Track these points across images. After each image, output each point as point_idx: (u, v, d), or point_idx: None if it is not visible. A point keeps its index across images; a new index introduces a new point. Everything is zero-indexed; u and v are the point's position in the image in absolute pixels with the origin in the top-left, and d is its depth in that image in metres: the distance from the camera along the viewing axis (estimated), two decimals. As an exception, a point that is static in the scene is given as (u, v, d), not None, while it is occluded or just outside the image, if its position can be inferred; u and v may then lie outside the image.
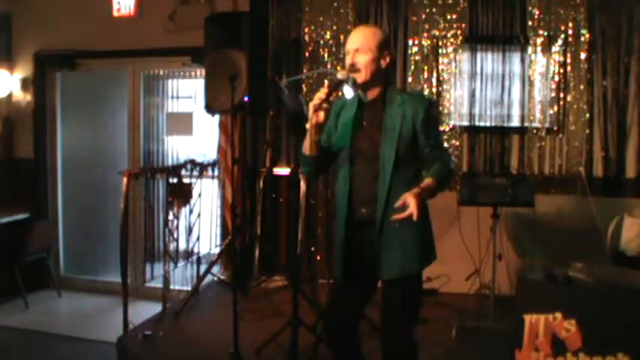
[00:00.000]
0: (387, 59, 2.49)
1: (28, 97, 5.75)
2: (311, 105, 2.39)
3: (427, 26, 4.81)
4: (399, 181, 2.41)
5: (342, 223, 2.53)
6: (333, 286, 2.77)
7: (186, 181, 4.51)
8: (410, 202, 2.22)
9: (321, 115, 2.38)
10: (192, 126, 5.31)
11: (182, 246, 4.59)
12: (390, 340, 2.49)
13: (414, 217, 2.20)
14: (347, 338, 2.61)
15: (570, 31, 4.60)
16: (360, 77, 2.47)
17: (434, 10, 4.79)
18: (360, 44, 2.46)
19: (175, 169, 4.50)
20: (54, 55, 5.59)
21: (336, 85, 2.46)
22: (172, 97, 5.53)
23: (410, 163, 2.46)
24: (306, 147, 2.51)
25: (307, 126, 2.46)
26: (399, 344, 2.46)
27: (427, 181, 2.36)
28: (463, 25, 4.77)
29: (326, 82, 2.58)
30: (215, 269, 4.77)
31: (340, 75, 2.46)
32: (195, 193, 4.62)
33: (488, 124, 4.80)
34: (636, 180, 4.53)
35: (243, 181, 4.85)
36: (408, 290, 2.47)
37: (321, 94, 2.38)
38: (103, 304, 5.27)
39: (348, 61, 2.49)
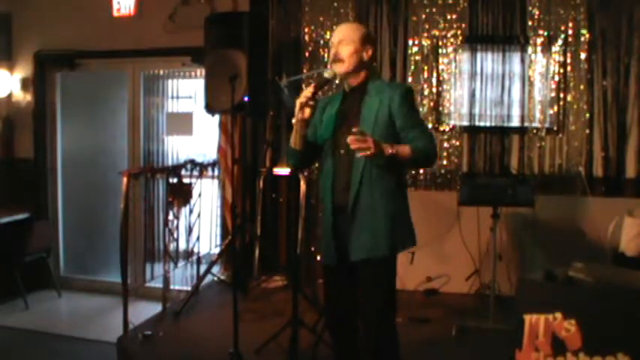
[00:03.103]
0: (370, 52, 2.61)
1: (28, 97, 5.75)
2: (297, 102, 2.51)
3: (427, 26, 4.80)
4: (374, 166, 2.47)
5: (328, 210, 2.61)
6: (324, 278, 2.80)
7: (186, 181, 4.51)
8: (368, 137, 2.27)
9: (307, 111, 2.53)
10: (192, 126, 5.31)
11: (182, 246, 4.59)
12: (364, 324, 2.56)
13: (369, 151, 2.25)
14: (346, 329, 2.66)
15: (570, 31, 4.59)
16: (343, 67, 2.57)
17: (434, 10, 4.79)
18: (343, 36, 2.58)
19: (175, 169, 4.49)
20: (54, 55, 5.60)
21: (323, 84, 2.64)
22: (172, 97, 5.53)
23: None
24: (293, 141, 2.63)
25: (293, 121, 2.57)
26: (373, 328, 2.53)
27: (404, 146, 2.42)
28: (463, 25, 4.76)
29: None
30: (215, 269, 4.77)
31: (327, 74, 2.60)
32: (195, 193, 4.63)
33: (488, 124, 4.79)
34: (636, 180, 4.52)
35: (243, 181, 4.85)
36: (378, 274, 2.53)
37: (308, 92, 2.51)
38: (103, 304, 5.26)
39: (332, 52, 2.60)
